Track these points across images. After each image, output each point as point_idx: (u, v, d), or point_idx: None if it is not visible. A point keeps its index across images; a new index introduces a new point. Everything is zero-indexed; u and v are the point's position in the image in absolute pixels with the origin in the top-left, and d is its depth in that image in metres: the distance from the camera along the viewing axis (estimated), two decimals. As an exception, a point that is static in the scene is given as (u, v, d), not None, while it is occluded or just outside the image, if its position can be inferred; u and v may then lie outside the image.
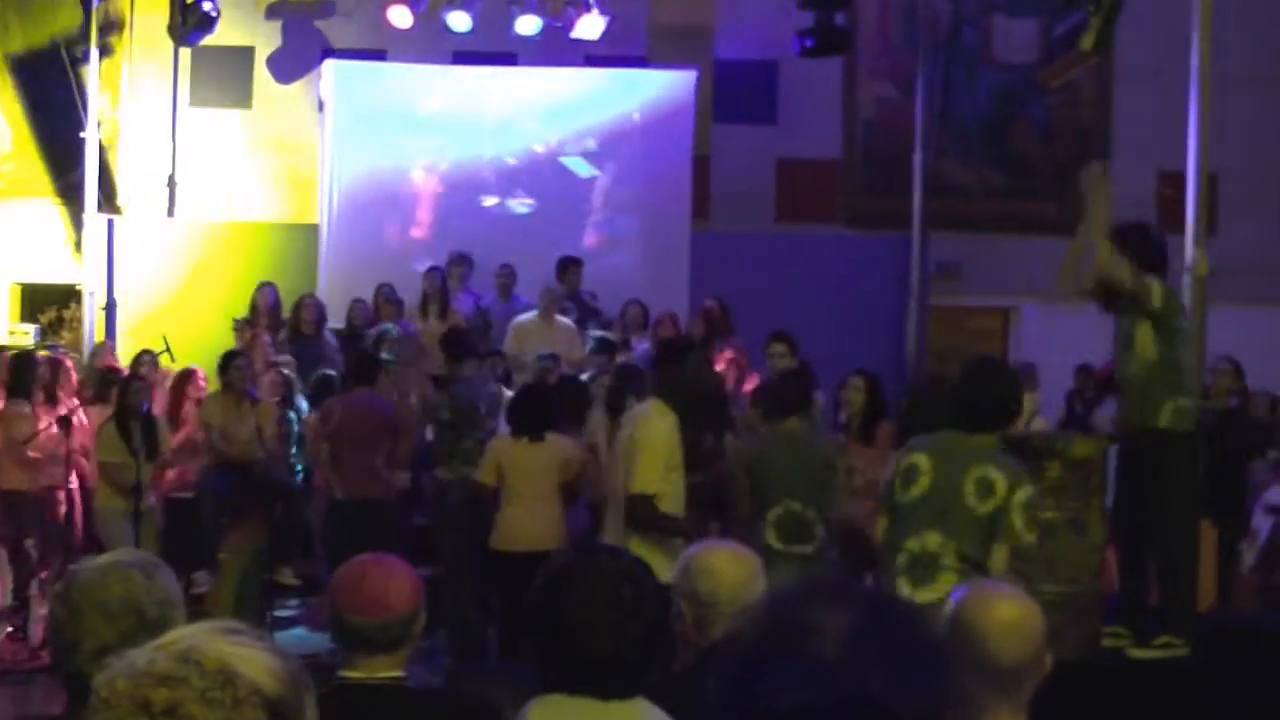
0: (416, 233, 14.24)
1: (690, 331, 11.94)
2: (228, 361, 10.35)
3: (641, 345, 11.57)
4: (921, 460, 5.68)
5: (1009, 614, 2.94)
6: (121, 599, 2.68)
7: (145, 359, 11.13)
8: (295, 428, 10.83)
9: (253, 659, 1.67)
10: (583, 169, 14.32)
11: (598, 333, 11.86)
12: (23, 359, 10.51)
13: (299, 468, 10.91)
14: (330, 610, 3.43)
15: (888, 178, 15.33)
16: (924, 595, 5.39)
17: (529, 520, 8.30)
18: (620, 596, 2.77)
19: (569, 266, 13.08)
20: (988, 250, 15.22)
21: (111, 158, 15.11)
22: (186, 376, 10.94)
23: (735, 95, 15.25)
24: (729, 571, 3.62)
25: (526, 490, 8.39)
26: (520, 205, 14.20)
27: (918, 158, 14.56)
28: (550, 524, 8.30)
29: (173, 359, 11.21)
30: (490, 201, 14.20)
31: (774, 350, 9.91)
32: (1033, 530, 5.53)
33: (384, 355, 10.87)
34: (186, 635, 1.69)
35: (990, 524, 5.47)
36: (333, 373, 11.22)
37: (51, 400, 10.20)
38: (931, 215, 14.55)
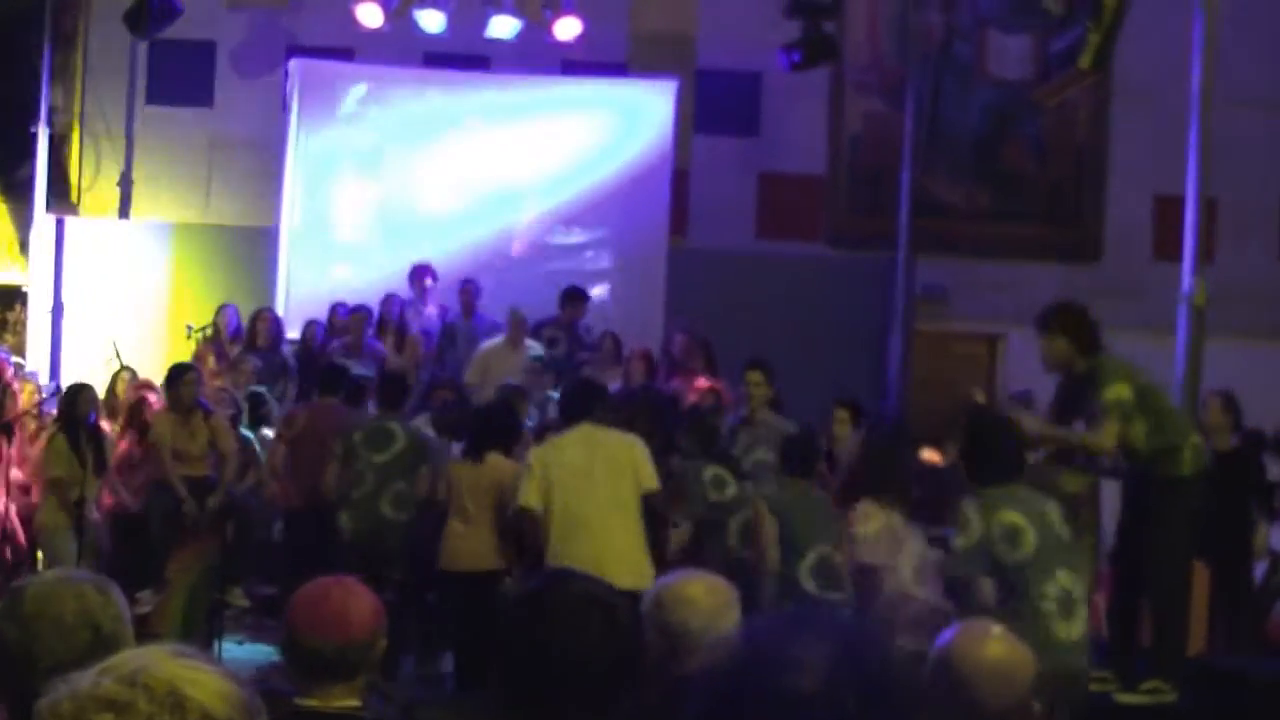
0: (376, 242, 14.19)
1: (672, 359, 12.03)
2: (177, 376, 10.25)
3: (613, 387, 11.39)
4: (1016, 518, 5.98)
5: (999, 657, 2.96)
6: (77, 614, 2.66)
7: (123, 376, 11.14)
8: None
9: (203, 682, 1.66)
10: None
11: (536, 349, 11.92)
12: None
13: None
14: (286, 631, 3.40)
15: (873, 195, 15.39)
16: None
17: (470, 539, 8.55)
18: (591, 622, 2.77)
19: (572, 298, 12.91)
20: (975, 274, 15.29)
21: (64, 154, 15.05)
22: (141, 401, 10.86)
23: (717, 106, 15.31)
24: (703, 601, 3.64)
25: (469, 510, 8.59)
26: (483, 219, 14.19)
27: (905, 175, 14.62)
28: (487, 543, 8.51)
29: (121, 365, 11.17)
30: (451, 213, 14.19)
31: (751, 379, 9.93)
32: None
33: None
34: (134, 657, 1.68)
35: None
36: (261, 389, 11.34)
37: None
38: (918, 236, 14.60)
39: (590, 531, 7.56)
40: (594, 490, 7.64)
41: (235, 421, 10.66)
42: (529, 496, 7.70)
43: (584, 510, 7.61)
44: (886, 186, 14.99)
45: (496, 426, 8.93)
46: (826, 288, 14.65)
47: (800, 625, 1.76)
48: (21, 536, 10.20)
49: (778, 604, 7.21)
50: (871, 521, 7.34)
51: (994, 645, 2.98)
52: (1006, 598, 5.89)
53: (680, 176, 14.57)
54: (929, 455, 8.49)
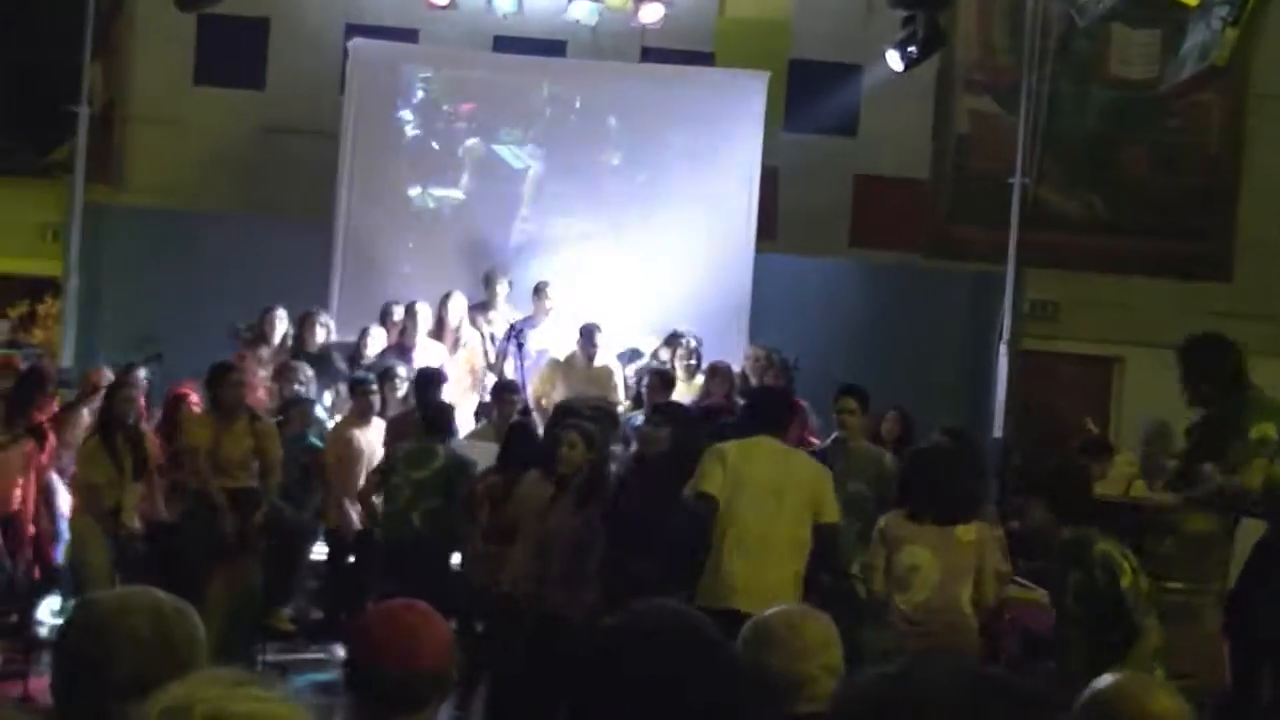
0: (438, 239, 14.24)
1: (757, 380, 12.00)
2: (219, 375, 10.22)
3: (633, 419, 11.33)
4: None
5: (1165, 710, 2.97)
6: (152, 631, 2.68)
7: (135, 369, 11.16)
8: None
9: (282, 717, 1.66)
10: (518, 160, 14.31)
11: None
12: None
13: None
14: (349, 657, 3.41)
15: (979, 202, 15.27)
16: None
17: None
18: (690, 657, 2.70)
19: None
20: (1089, 290, 15.14)
21: (103, 135, 15.19)
22: (180, 397, 10.96)
23: (811, 101, 15.24)
24: (811, 634, 3.67)
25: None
26: (562, 220, 14.23)
27: (1016, 181, 14.50)
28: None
29: (161, 364, 11.24)
30: (524, 212, 14.25)
31: (844, 405, 9.84)
32: None
33: None
34: (201, 691, 1.68)
35: None
36: (309, 396, 11.41)
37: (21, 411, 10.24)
38: (1025, 248, 14.48)
39: (764, 554, 7.61)
40: (780, 512, 7.69)
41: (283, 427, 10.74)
42: (711, 483, 7.69)
43: (764, 530, 7.65)
44: (994, 193, 14.88)
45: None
46: (923, 300, 14.59)
47: (935, 668, 1.74)
48: (47, 540, 10.31)
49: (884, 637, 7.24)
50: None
51: (1162, 699, 2.97)
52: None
53: (769, 177, 14.50)
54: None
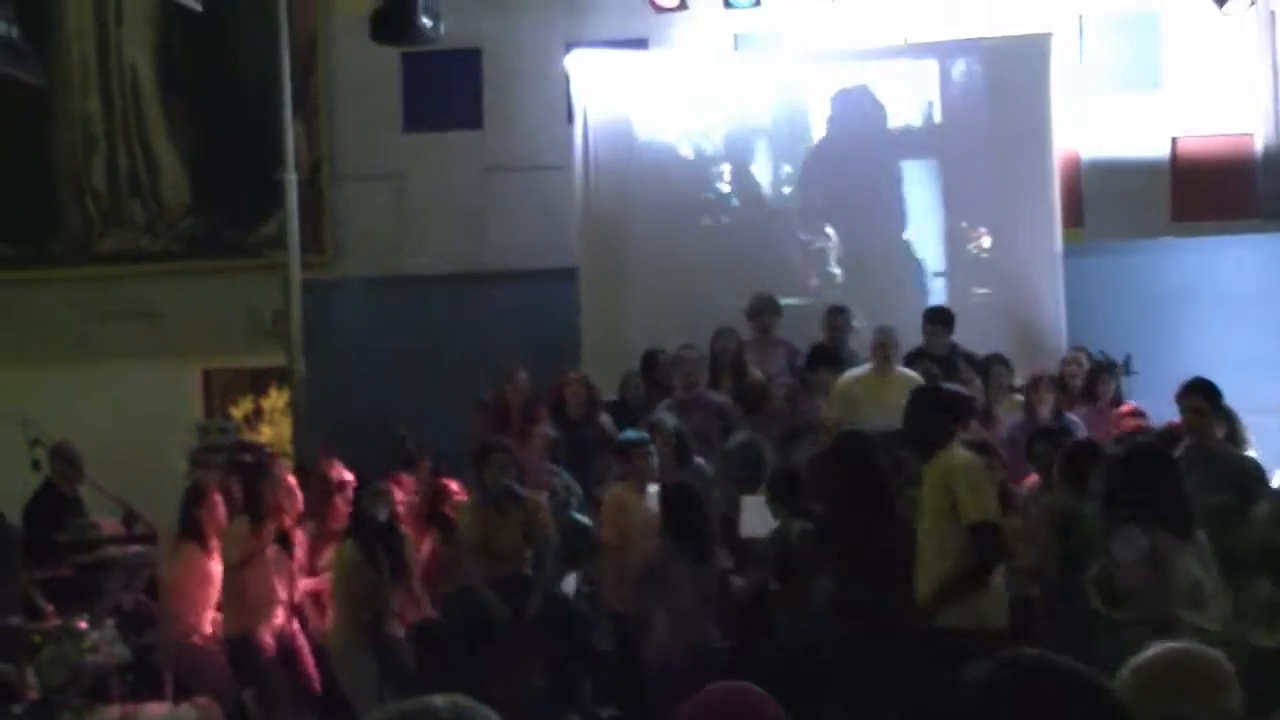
0: (700, 269, 14.13)
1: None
2: (484, 456, 10.29)
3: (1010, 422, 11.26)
4: None
5: None
6: None
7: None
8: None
9: None
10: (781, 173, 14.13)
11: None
12: (243, 469, 10.74)
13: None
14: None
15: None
16: None
17: None
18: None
19: (936, 321, 12.56)
20: None
21: (314, 201, 15.44)
22: (439, 489, 11.05)
23: (1107, 59, 14.92)
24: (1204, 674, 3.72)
25: None
26: (818, 228, 14.06)
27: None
28: None
29: (413, 452, 11.35)
30: (789, 225, 14.11)
31: (1191, 404, 9.55)
32: None
33: None
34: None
35: None
36: (559, 469, 11.33)
37: (260, 517, 10.37)
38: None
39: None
40: (919, 520, 8.27)
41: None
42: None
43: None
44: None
45: None
46: (1267, 278, 14.06)
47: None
48: (309, 659, 10.42)
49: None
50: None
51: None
52: None
53: (1070, 155, 14.14)
54: None
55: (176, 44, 15.96)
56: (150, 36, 15.99)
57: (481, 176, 15.42)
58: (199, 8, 13.70)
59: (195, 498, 10.55)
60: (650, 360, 12.79)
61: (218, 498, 10.54)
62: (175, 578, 10.42)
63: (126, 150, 16.12)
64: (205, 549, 10.30)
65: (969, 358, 12.40)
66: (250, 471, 10.82)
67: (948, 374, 12.06)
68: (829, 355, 12.19)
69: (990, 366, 12.16)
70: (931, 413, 8.68)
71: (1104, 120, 14.71)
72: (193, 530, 10.40)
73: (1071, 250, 13.90)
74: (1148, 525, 7.59)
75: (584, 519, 11.14)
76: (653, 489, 10.66)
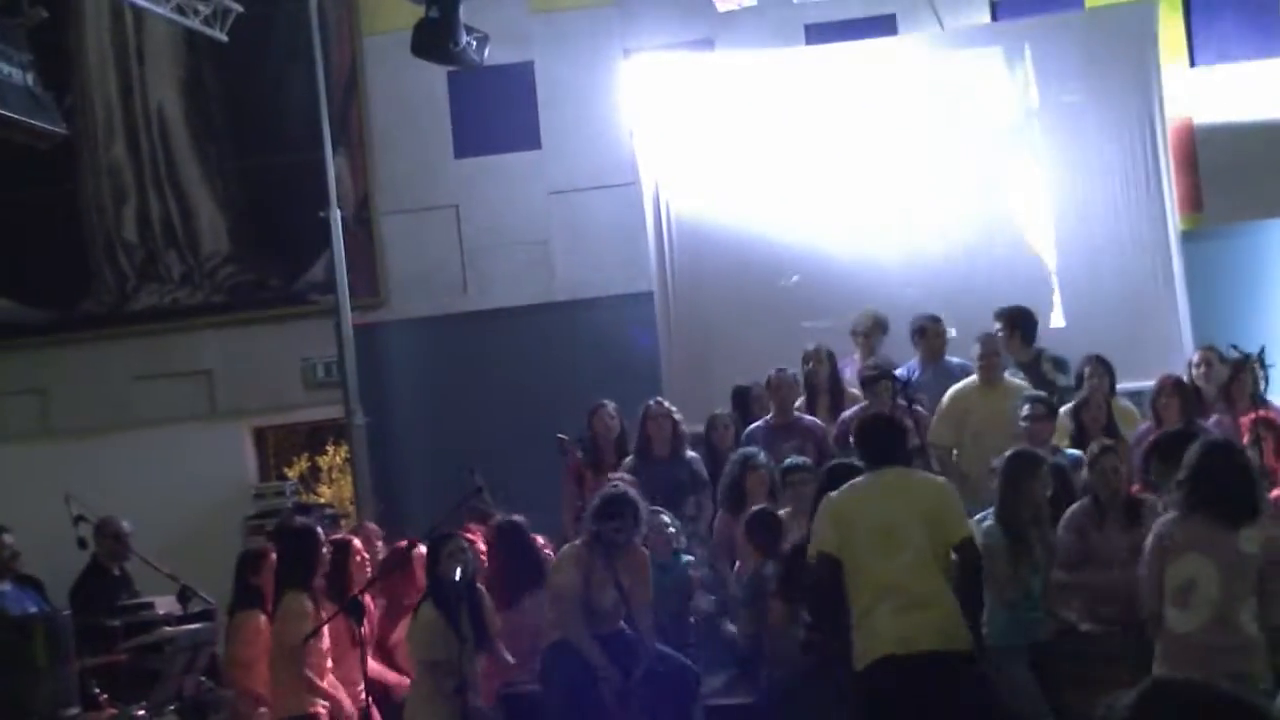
0: (786, 283, 14.00)
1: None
2: (615, 507, 9.91)
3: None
4: None
5: None
6: None
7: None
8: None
9: None
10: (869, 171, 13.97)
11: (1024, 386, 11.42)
12: (296, 535, 10.51)
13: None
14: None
15: None
16: None
17: None
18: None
19: (1016, 322, 12.30)
20: None
21: (362, 239, 15.36)
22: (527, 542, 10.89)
23: (1218, 26, 14.70)
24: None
25: None
26: (931, 232, 13.88)
27: None
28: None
29: (489, 504, 11.18)
30: (881, 228, 13.94)
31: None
32: None
33: None
34: None
35: None
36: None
37: (336, 591, 10.20)
38: None
39: (896, 598, 8.12)
40: (898, 551, 8.20)
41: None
42: (826, 542, 8.35)
43: (888, 575, 8.17)
44: None
45: None
46: None
47: None
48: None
49: None
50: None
51: None
52: None
53: (1183, 132, 13.90)
54: None
55: (205, 79, 15.86)
56: (176, 73, 15.91)
57: (544, 200, 15.27)
58: (224, 37, 13.69)
59: (252, 563, 10.40)
60: (741, 396, 12.60)
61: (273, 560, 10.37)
62: (237, 653, 10.25)
63: (158, 197, 16.02)
64: (269, 615, 10.14)
65: (1057, 361, 12.20)
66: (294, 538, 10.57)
67: (1034, 380, 11.87)
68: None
69: (1083, 369, 11.85)
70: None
71: (1219, 91, 14.44)
72: (252, 598, 10.24)
73: (1190, 235, 13.71)
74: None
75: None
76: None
